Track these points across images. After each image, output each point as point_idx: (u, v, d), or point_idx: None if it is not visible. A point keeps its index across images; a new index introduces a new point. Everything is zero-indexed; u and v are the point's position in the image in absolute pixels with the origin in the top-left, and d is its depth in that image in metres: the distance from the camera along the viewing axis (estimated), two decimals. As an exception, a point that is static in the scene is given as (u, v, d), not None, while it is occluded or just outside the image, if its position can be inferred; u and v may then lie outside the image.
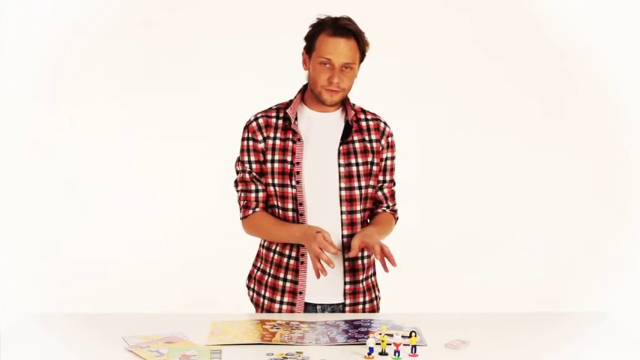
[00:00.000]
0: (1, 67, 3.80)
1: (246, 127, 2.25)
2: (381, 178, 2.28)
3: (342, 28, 2.12)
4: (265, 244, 2.30)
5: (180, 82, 3.98)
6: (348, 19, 2.16)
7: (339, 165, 2.20)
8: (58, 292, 3.84)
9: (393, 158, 2.30)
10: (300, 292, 2.21)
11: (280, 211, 2.22)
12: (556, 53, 3.98)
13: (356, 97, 2.30)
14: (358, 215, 2.21)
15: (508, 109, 4.04)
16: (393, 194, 2.33)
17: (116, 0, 3.91)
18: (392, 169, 2.31)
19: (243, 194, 2.25)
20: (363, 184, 2.21)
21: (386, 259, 2.07)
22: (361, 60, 2.19)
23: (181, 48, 3.97)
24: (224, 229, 3.14)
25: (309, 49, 2.17)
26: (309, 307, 2.23)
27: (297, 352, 1.81)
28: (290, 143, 2.20)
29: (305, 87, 2.25)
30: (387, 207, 2.30)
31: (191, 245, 3.98)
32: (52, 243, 3.94)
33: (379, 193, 2.29)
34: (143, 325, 2.00)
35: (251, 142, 2.23)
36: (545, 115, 4.03)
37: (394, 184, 2.33)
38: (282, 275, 2.23)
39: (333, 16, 2.16)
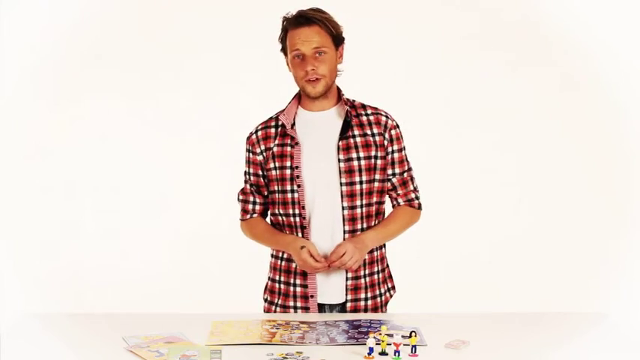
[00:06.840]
0: (1, 67, 3.80)
1: (247, 140, 2.30)
2: (390, 171, 2.25)
3: (301, 17, 2.14)
4: (274, 254, 2.32)
5: (181, 82, 3.98)
6: (312, 9, 2.17)
7: (339, 160, 2.18)
8: (58, 292, 3.84)
9: (400, 150, 2.27)
10: (312, 296, 2.22)
11: (284, 218, 2.24)
12: (555, 52, 3.97)
13: (359, 94, 2.30)
14: (359, 210, 2.20)
15: (507, 108, 4.03)
16: (404, 182, 2.27)
17: None
18: (401, 161, 2.27)
19: (242, 203, 2.33)
20: (364, 178, 2.20)
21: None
22: (338, 44, 2.18)
23: (183, 48, 3.96)
24: (225, 230, 3.14)
25: (284, 49, 2.20)
26: (320, 308, 2.23)
27: (297, 352, 1.81)
28: (288, 148, 2.21)
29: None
30: (399, 196, 2.27)
31: (191, 245, 3.97)
32: (52, 243, 3.94)
33: (388, 185, 2.26)
34: (143, 325, 2.01)
35: (250, 155, 2.29)
36: (544, 115, 4.03)
37: (407, 172, 2.28)
38: (292, 281, 2.24)
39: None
